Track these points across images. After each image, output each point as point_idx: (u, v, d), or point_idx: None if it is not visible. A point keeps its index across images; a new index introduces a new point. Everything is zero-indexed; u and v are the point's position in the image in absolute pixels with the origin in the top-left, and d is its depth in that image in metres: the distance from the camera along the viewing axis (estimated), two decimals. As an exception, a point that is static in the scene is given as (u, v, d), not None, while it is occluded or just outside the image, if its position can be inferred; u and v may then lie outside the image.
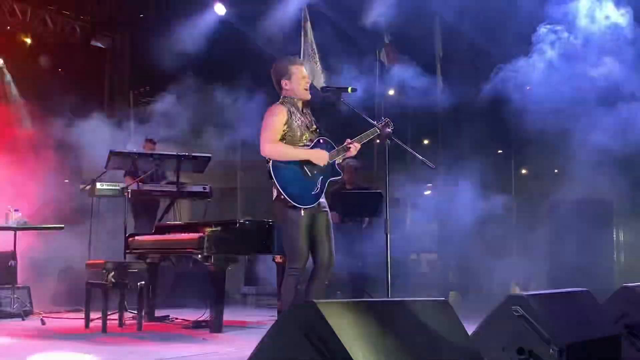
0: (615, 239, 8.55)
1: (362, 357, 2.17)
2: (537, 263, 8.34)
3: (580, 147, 7.13)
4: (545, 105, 7.08)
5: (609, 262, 7.95)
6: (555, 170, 12.16)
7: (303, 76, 4.50)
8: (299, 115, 4.49)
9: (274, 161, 4.33)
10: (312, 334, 2.21)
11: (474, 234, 8.18)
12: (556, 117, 7.00)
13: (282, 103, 4.49)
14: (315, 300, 2.28)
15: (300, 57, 8.84)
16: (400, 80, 9.00)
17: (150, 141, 8.41)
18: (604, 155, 6.88)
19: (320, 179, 4.44)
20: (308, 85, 4.52)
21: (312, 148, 4.46)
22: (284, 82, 4.50)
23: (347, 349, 2.16)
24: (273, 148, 4.36)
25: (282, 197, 4.28)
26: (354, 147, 4.52)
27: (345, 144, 4.53)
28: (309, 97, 4.56)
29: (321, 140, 4.53)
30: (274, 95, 4.67)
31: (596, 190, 7.56)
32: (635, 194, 7.86)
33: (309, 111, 4.62)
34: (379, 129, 4.52)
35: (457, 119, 9.80)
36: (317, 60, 9.44)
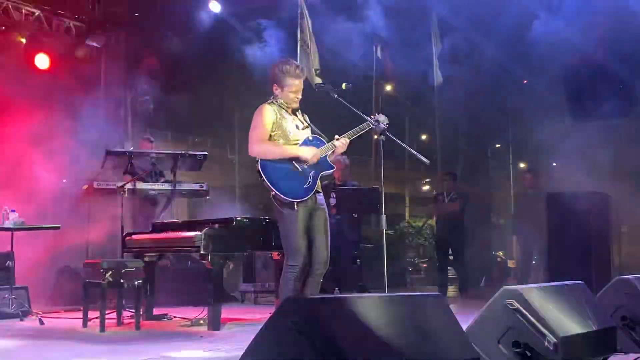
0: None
1: (354, 352, 2.18)
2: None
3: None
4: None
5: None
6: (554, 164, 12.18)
7: (295, 90, 4.52)
8: (287, 115, 4.52)
9: (262, 159, 4.36)
10: (305, 329, 2.21)
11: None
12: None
13: (270, 103, 4.53)
14: (308, 295, 2.29)
15: (297, 61, 8.85)
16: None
17: (147, 140, 8.41)
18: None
19: (312, 173, 4.46)
20: (298, 99, 4.56)
21: (301, 146, 4.49)
22: (275, 87, 4.53)
23: (340, 343, 2.16)
24: (261, 147, 4.39)
25: (274, 193, 4.30)
26: (341, 144, 4.53)
27: (333, 140, 4.56)
28: (297, 105, 4.59)
29: (310, 138, 4.56)
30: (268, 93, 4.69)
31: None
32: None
33: (299, 111, 4.65)
34: (372, 123, 4.54)
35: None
36: (313, 53, 9.43)
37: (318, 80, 9.02)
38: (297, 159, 4.42)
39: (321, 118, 5.02)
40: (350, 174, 8.41)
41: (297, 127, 4.56)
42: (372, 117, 4.64)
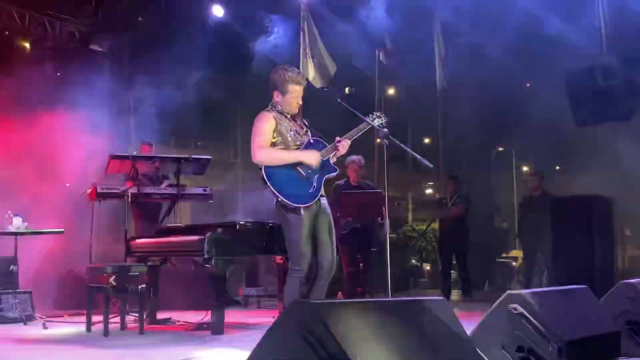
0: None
1: (359, 357, 2.17)
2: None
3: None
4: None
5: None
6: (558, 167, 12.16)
7: (297, 96, 4.54)
8: (287, 121, 4.54)
9: (266, 166, 4.36)
10: (309, 334, 2.21)
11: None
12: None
13: (269, 110, 4.54)
14: (312, 300, 2.29)
15: (300, 66, 8.86)
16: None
17: (147, 143, 8.41)
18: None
19: (316, 177, 4.47)
20: (299, 106, 4.57)
21: (303, 149, 4.50)
22: (276, 94, 4.54)
23: (344, 349, 2.16)
24: (264, 154, 4.39)
25: (280, 199, 4.31)
26: (342, 145, 4.55)
27: (334, 142, 4.56)
28: (296, 112, 4.61)
29: (312, 141, 4.57)
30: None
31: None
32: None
33: (299, 116, 4.66)
34: (376, 125, 4.55)
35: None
36: (320, 56, 9.44)
37: (321, 83, 9.03)
38: (301, 163, 4.43)
39: (324, 122, 5.03)
40: (366, 174, 8.36)
41: (297, 132, 4.58)
42: (369, 116, 4.68)
